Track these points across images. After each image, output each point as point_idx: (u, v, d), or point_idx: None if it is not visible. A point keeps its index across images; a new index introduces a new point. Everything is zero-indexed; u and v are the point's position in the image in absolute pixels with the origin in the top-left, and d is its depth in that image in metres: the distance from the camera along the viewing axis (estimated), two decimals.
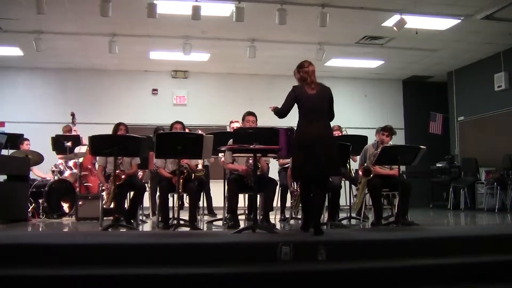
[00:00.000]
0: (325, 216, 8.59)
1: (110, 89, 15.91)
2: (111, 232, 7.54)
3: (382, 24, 11.85)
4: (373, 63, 15.35)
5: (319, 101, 6.88)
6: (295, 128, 6.97)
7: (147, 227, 9.30)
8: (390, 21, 11.41)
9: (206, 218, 10.40)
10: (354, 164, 9.69)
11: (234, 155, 8.26)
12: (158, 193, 8.89)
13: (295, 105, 6.90)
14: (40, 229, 8.76)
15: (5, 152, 10.42)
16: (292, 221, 9.42)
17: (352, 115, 15.69)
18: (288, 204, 9.83)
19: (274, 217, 9.28)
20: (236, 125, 10.05)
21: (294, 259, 5.50)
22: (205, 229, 8.61)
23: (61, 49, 13.92)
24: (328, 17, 10.68)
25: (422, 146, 8.22)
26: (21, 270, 4.89)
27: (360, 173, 8.67)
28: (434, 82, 17.41)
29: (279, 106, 7.00)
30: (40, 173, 11.61)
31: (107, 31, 12.37)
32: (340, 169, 7.47)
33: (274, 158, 8.94)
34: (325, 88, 7.03)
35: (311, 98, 6.83)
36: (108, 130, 9.06)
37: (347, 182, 9.54)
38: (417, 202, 12.47)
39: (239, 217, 8.61)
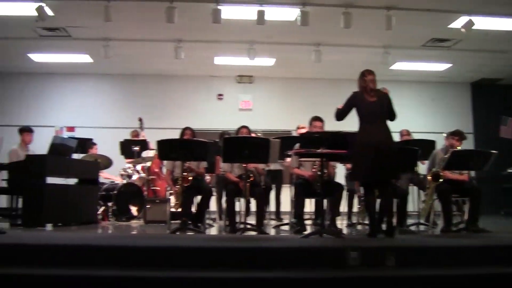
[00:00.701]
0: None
1: (176, 94, 16.09)
2: (179, 235, 7.63)
3: (449, 26, 11.61)
4: (440, 66, 15.06)
5: (379, 107, 7.10)
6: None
7: (213, 231, 9.35)
8: (458, 23, 11.19)
9: (272, 222, 10.39)
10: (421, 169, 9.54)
11: (301, 159, 8.24)
12: (224, 198, 8.93)
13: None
14: (110, 231, 8.90)
15: (75, 156, 10.64)
16: (359, 227, 9.33)
17: (418, 119, 15.40)
18: (355, 209, 9.76)
19: (341, 222, 9.21)
20: (303, 130, 10.03)
21: (362, 264, 5.44)
22: (272, 233, 8.59)
23: (128, 56, 14.17)
24: (394, 20, 10.56)
25: (493, 151, 8.02)
26: (90, 271, 4.97)
27: (429, 178, 8.52)
28: (504, 84, 16.93)
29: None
30: (108, 175, 11.82)
31: (173, 37, 12.53)
32: (400, 173, 7.46)
33: (341, 163, 8.90)
34: (383, 94, 7.24)
35: (371, 105, 7.08)
36: (174, 135, 9.13)
37: (415, 188, 9.40)
38: (487, 209, 12.16)
39: (306, 222, 8.58)
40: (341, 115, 7.29)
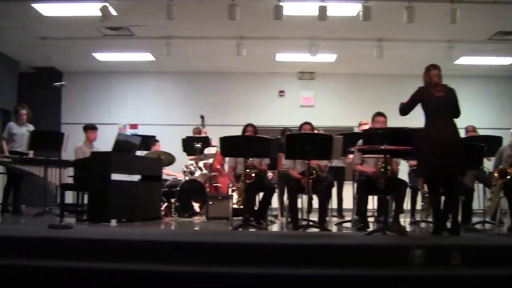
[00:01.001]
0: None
1: (237, 91, 16.16)
2: (241, 231, 7.65)
3: None
4: (507, 60, 14.63)
5: (446, 102, 6.99)
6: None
7: (275, 227, 9.35)
8: None
9: (334, 219, 10.34)
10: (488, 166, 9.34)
11: (364, 156, 8.17)
12: (286, 194, 8.92)
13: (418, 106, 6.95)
14: (172, 227, 9.00)
15: (138, 153, 10.79)
16: (422, 224, 9.19)
17: (484, 115, 15.07)
18: (419, 206, 9.62)
19: (404, 220, 9.09)
20: (366, 126, 9.95)
21: (426, 262, 5.35)
22: (334, 230, 8.54)
23: (190, 53, 14.28)
24: (459, 13, 10.32)
25: None
26: (153, 265, 5.03)
27: (496, 175, 8.33)
28: None
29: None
30: (170, 172, 11.94)
31: (235, 34, 12.55)
32: (467, 169, 7.31)
33: (404, 159, 8.79)
34: (450, 89, 7.11)
35: (438, 99, 6.95)
36: (235, 132, 9.17)
37: (481, 185, 9.21)
38: None
39: (368, 219, 8.50)
40: (405, 109, 7.20)
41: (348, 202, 10.37)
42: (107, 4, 10.39)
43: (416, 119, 7.36)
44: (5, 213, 10.42)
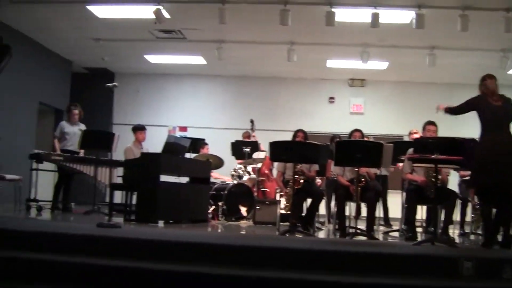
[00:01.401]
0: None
1: (287, 96, 16.17)
2: (288, 237, 7.63)
3: None
4: None
5: (503, 112, 6.88)
6: (478, 139, 6.91)
7: (322, 234, 9.31)
8: None
9: (381, 228, 10.24)
10: None
11: (414, 165, 8.07)
12: (333, 201, 8.88)
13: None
14: (219, 230, 9.03)
15: (187, 155, 10.86)
16: (472, 236, 9.04)
17: None
18: (469, 218, 9.47)
19: (453, 231, 8.96)
20: (416, 135, 9.85)
21: (476, 275, 5.25)
22: (381, 239, 8.46)
23: (241, 57, 14.35)
24: None
25: None
26: (199, 267, 5.04)
27: None
28: None
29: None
30: (217, 175, 11.98)
31: (286, 39, 12.57)
32: None
33: (455, 169, 8.66)
34: (508, 99, 6.99)
35: (495, 109, 6.85)
36: (284, 137, 9.17)
37: None
38: None
39: (417, 229, 8.39)
40: (457, 111, 7.23)
41: (395, 211, 10.26)
42: (161, 7, 10.50)
43: (468, 128, 7.25)
44: (55, 210, 10.58)
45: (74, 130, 10.85)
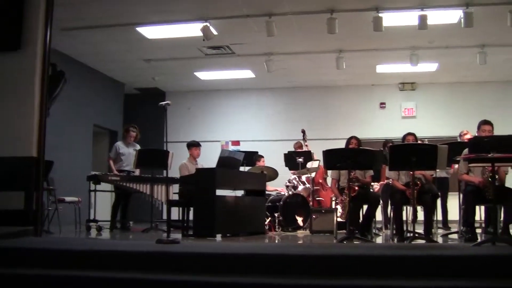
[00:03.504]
0: None
1: (338, 104, 16.16)
2: (346, 244, 7.60)
3: None
4: None
5: None
6: None
7: (380, 240, 9.25)
8: None
9: (440, 231, 10.11)
10: None
11: (470, 165, 7.95)
12: (390, 206, 8.82)
13: None
14: (276, 241, 9.04)
15: (241, 169, 10.92)
16: None
17: None
18: None
19: None
20: (468, 136, 9.73)
21: None
22: (440, 242, 8.35)
23: (290, 69, 14.42)
24: None
25: None
26: (261, 278, 5.05)
27: None
28: None
29: None
30: (271, 188, 12.00)
31: (334, 47, 12.60)
32: None
33: None
34: None
35: None
36: (337, 145, 9.14)
37: None
38: None
39: (476, 230, 8.26)
40: None
41: (453, 213, 10.12)
42: (208, 24, 10.62)
43: None
44: (113, 229, 10.76)
45: (129, 151, 11.07)
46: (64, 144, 12.53)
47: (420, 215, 8.27)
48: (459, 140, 10.62)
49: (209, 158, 10.54)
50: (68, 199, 10.28)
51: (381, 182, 10.09)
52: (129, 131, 11.27)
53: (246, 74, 15.00)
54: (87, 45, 12.45)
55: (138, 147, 11.11)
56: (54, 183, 10.12)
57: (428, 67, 14.22)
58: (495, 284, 4.98)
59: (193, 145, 10.91)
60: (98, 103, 14.66)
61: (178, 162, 10.66)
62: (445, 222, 10.83)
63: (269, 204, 10.98)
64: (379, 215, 10.24)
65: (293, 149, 12.33)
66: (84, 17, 10.87)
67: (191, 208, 9.32)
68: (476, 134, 8.34)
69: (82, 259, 5.64)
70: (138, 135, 11.27)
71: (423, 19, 10.19)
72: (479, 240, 7.49)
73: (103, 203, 11.74)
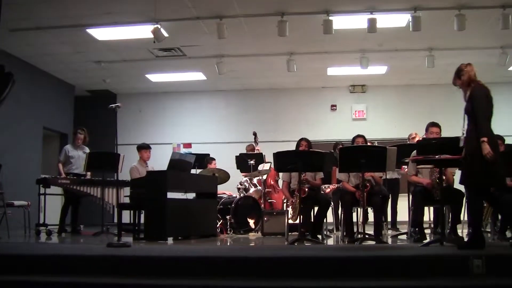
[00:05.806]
0: None
1: (289, 107, 16.25)
2: (297, 246, 7.64)
3: None
4: None
5: None
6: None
7: (331, 241, 9.31)
8: None
9: (389, 232, 10.24)
10: None
11: (418, 167, 8.08)
12: (340, 208, 8.89)
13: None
14: (228, 243, 9.03)
15: (192, 171, 10.89)
16: None
17: None
18: None
19: (462, 231, 8.94)
20: (417, 139, 9.89)
21: (487, 273, 5.25)
22: (390, 243, 8.46)
23: (241, 71, 14.43)
24: (511, 19, 10.14)
25: None
26: (210, 281, 5.06)
27: None
28: None
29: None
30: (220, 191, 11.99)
31: (285, 50, 12.65)
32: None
33: (459, 169, 8.65)
34: None
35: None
36: (288, 147, 9.17)
37: None
38: None
39: (425, 230, 8.37)
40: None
41: (404, 214, 10.24)
42: (159, 26, 10.56)
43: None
44: (63, 233, 10.60)
45: (78, 154, 10.98)
46: (12, 146, 12.34)
47: (370, 217, 8.37)
48: (408, 142, 10.76)
49: (160, 161, 10.48)
50: (17, 203, 10.08)
51: (333, 185, 10.16)
52: (76, 133, 11.16)
53: (198, 76, 14.97)
54: (36, 46, 12.25)
55: (87, 149, 11.00)
56: (2, 187, 9.93)
57: (378, 69, 14.41)
58: (442, 282, 5.06)
59: (143, 148, 10.86)
60: (48, 106, 14.44)
61: (129, 165, 10.59)
62: (394, 223, 10.95)
63: (221, 206, 10.97)
64: (330, 217, 10.34)
65: (244, 152, 12.33)
66: (33, 18, 10.69)
67: (142, 211, 9.24)
68: (425, 136, 8.46)
69: (31, 264, 5.57)
70: (86, 137, 11.17)
71: (372, 22, 10.32)
72: (427, 240, 7.60)
73: (53, 207, 11.55)
